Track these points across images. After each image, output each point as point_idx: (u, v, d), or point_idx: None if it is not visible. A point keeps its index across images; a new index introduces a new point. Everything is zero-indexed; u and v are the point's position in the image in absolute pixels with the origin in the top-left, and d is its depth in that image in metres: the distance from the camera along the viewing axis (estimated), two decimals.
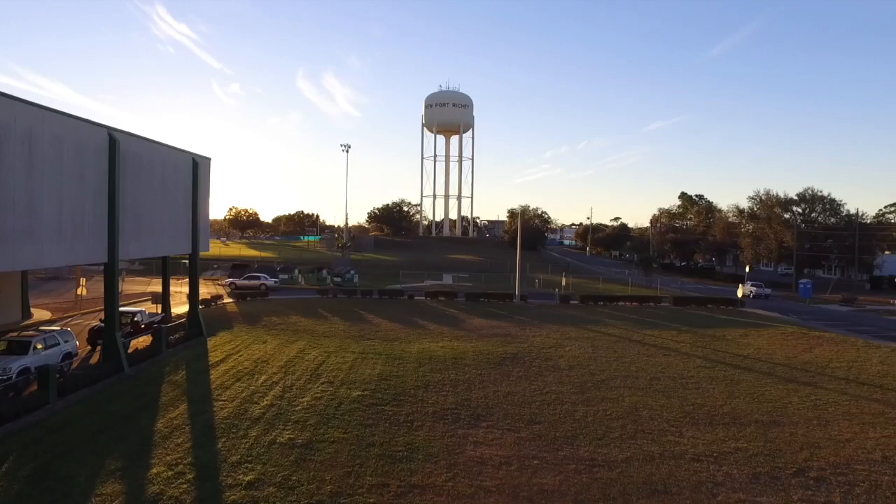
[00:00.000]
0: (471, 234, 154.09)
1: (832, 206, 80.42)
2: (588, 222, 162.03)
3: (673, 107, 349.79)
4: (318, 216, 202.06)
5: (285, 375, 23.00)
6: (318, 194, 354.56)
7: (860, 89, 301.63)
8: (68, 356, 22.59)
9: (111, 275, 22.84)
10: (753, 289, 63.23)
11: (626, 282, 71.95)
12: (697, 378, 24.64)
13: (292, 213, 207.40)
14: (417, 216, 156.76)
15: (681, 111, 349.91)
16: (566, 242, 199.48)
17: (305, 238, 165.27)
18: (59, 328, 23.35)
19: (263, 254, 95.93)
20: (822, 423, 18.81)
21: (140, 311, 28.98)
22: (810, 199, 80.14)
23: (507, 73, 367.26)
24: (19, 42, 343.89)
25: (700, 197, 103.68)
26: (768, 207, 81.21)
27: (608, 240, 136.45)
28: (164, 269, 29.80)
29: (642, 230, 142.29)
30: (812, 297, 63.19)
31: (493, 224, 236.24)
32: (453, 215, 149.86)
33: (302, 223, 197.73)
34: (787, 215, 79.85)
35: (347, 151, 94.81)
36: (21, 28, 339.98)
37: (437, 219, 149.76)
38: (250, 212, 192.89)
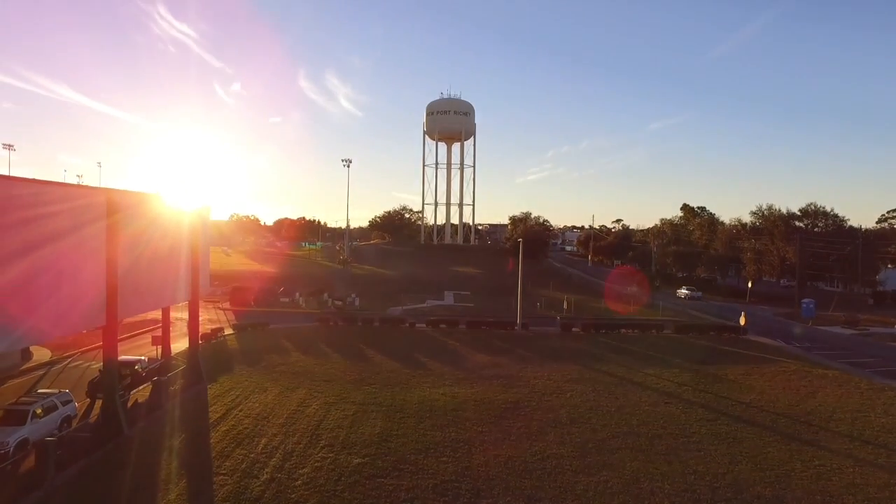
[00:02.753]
0: (472, 241, 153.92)
1: (835, 221, 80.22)
2: (590, 226, 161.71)
3: (675, 106, 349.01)
4: (319, 221, 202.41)
5: (286, 438, 22.88)
6: (321, 192, 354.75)
7: (864, 87, 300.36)
8: (67, 419, 22.53)
9: (111, 337, 22.74)
10: (687, 292, 78.26)
11: (628, 298, 71.95)
12: (699, 435, 24.47)
13: (294, 217, 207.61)
14: (419, 222, 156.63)
15: (683, 110, 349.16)
16: (568, 248, 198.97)
17: (307, 245, 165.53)
18: (57, 391, 23.24)
19: (265, 267, 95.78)
20: (826, 500, 18.63)
21: (140, 361, 28.89)
22: (813, 214, 79.94)
23: (508, 72, 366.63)
24: (21, 42, 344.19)
25: (702, 209, 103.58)
26: (771, 223, 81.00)
27: (610, 248, 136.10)
28: (165, 318, 29.68)
29: (644, 233, 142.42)
30: (815, 316, 63.03)
31: (495, 228, 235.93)
32: (455, 220, 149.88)
33: (304, 229, 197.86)
34: (793, 223, 79.57)
35: (348, 166, 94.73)
36: (23, 28, 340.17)
37: (440, 222, 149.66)
38: (251, 218, 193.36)
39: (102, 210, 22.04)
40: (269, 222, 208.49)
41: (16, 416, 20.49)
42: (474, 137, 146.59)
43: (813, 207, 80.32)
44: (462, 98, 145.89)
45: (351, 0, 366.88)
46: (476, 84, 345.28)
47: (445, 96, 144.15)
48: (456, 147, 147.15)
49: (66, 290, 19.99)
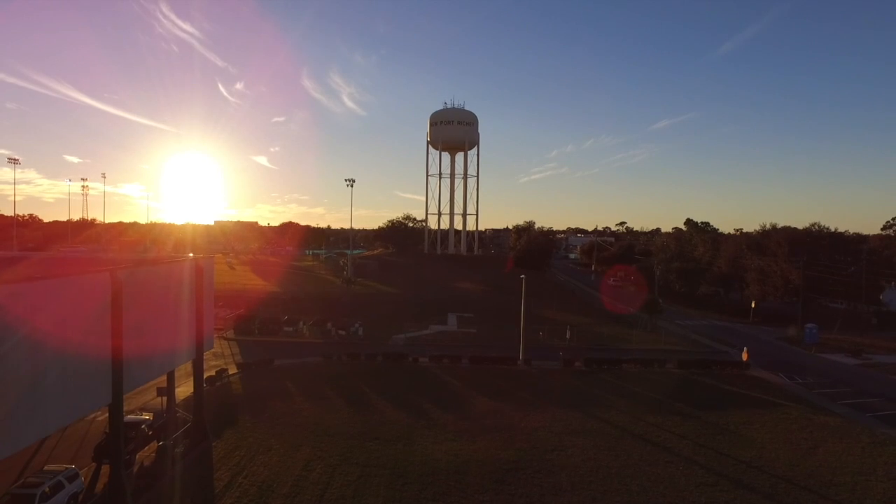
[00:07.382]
0: (475, 251, 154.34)
1: (840, 239, 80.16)
2: (592, 229, 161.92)
3: (679, 105, 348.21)
4: (319, 226, 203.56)
5: None
6: (323, 191, 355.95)
7: (866, 87, 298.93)
8: (74, 497, 22.81)
9: (117, 414, 22.98)
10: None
11: (631, 322, 72.16)
12: None
13: (299, 219, 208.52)
14: (423, 229, 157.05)
15: (687, 109, 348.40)
16: (571, 256, 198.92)
17: (310, 253, 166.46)
18: (63, 468, 23.50)
19: (269, 284, 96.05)
20: None
21: (145, 421, 29.13)
22: (817, 235, 79.83)
23: (513, 70, 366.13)
24: (24, 42, 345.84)
25: (706, 224, 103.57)
26: (775, 242, 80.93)
27: (613, 259, 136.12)
28: (169, 380, 29.89)
29: (648, 236, 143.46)
30: (817, 341, 63.06)
31: (497, 233, 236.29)
32: (458, 226, 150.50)
33: (309, 234, 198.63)
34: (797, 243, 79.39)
35: (351, 186, 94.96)
36: (25, 28, 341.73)
37: (443, 227, 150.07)
38: (255, 225, 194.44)
39: (107, 290, 22.26)
40: (273, 222, 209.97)
41: (22, 502, 20.71)
42: (478, 147, 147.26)
43: (817, 227, 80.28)
44: (466, 106, 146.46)
45: None
46: (480, 82, 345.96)
47: (449, 105, 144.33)
48: (459, 156, 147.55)
49: (71, 376, 20.19)
